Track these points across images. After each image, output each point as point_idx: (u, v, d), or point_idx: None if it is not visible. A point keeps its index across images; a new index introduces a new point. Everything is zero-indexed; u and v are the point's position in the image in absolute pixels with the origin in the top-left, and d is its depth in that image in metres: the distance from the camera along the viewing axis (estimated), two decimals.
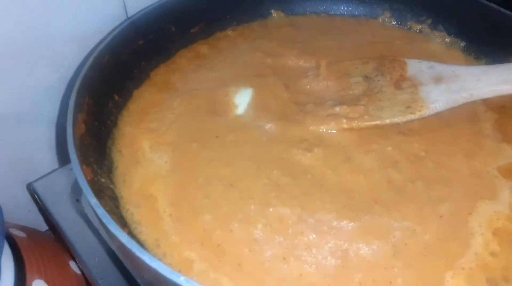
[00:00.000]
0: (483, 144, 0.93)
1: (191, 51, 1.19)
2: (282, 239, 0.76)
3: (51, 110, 1.16)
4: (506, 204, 0.82)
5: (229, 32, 1.26)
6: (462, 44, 1.20)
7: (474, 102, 0.98)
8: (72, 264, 1.14)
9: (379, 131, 0.94)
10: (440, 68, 1.02)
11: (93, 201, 0.68)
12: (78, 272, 1.13)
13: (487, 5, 1.14)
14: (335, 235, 0.77)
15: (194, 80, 1.09)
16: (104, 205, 0.73)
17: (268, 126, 0.95)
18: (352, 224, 0.78)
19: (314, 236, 0.77)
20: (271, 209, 0.80)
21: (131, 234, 0.76)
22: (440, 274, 0.73)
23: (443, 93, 0.97)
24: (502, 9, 1.12)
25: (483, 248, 0.76)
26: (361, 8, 1.33)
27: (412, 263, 0.74)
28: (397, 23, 1.30)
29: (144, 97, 1.05)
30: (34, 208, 1.28)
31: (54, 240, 1.20)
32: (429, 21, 1.26)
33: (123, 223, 0.78)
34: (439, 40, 1.23)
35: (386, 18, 1.31)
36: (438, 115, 0.96)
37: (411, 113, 0.95)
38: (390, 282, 0.72)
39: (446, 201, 0.82)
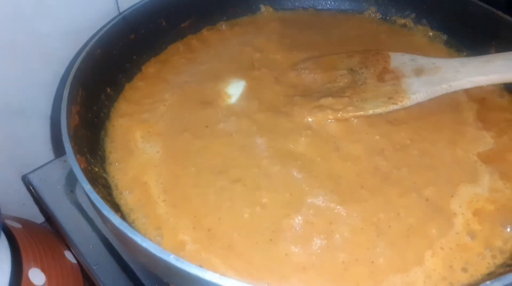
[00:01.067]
0: (464, 132, 0.97)
1: (182, 45, 1.22)
2: (269, 223, 0.80)
3: (45, 103, 1.19)
4: (485, 187, 0.86)
5: (219, 26, 1.30)
6: (445, 37, 1.24)
7: (457, 93, 1.03)
8: (68, 254, 1.17)
9: (367, 121, 0.98)
10: (422, 61, 1.06)
11: (87, 187, 0.71)
12: (74, 261, 1.16)
13: (469, 0, 1.18)
14: (321, 218, 0.81)
15: (185, 73, 1.12)
16: (98, 192, 0.77)
17: (257, 116, 0.99)
18: (338, 207, 0.82)
19: (300, 218, 0.80)
20: (259, 196, 0.84)
21: (124, 219, 0.79)
22: (420, 253, 0.77)
23: (423, 84, 1.01)
24: (483, 4, 1.16)
25: (464, 227, 0.80)
26: (348, 3, 1.37)
27: (395, 244, 0.78)
28: (382, 17, 1.34)
29: (136, 90, 1.08)
30: (29, 202, 1.31)
31: (49, 231, 1.23)
32: (413, 16, 1.30)
33: (116, 209, 0.81)
34: (423, 33, 1.27)
35: (372, 13, 1.35)
36: (424, 105, 1.00)
37: (393, 103, 0.99)
38: (372, 262, 0.75)
39: (430, 186, 0.86)
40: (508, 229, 0.80)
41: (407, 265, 0.75)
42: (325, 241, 0.78)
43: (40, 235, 1.17)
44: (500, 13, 1.11)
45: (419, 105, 1.00)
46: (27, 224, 1.21)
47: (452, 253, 0.77)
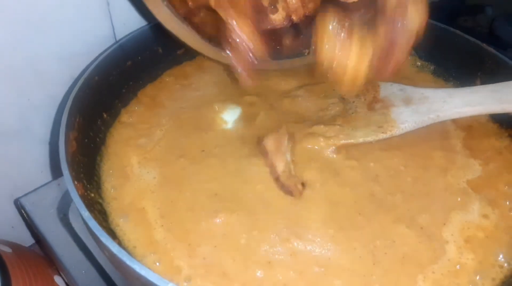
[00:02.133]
0: (454, 160, 1.00)
1: (178, 72, 1.25)
2: (267, 247, 0.81)
3: (40, 126, 1.19)
4: (476, 214, 0.89)
5: None
6: (432, 67, 1.29)
7: (445, 121, 1.06)
8: (57, 279, 1.15)
9: (362, 148, 1.01)
10: (410, 91, 1.09)
11: (85, 214, 0.72)
12: None
13: (455, 32, 1.23)
14: (319, 244, 0.82)
15: (180, 98, 1.15)
16: (94, 219, 0.77)
17: (252, 141, 1.01)
18: (336, 233, 0.84)
19: (298, 243, 0.82)
20: (255, 221, 0.85)
21: (121, 246, 0.79)
22: (413, 281, 0.79)
23: (412, 114, 1.04)
24: (468, 36, 1.21)
25: (455, 254, 0.83)
26: None
27: (390, 271, 0.79)
28: None
29: (131, 115, 1.10)
30: (18, 224, 1.29)
31: (39, 255, 1.21)
32: None
33: (113, 235, 0.81)
34: (411, 63, 1.31)
35: None
36: (415, 132, 1.03)
37: (383, 132, 1.02)
38: None
39: (423, 213, 0.88)
40: (501, 257, 0.82)
41: None
42: (323, 268, 0.79)
43: (30, 260, 1.15)
44: (484, 45, 1.16)
45: (410, 132, 1.03)
46: (17, 248, 1.20)
47: (443, 278, 0.79)
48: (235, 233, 0.83)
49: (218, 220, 0.85)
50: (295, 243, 0.82)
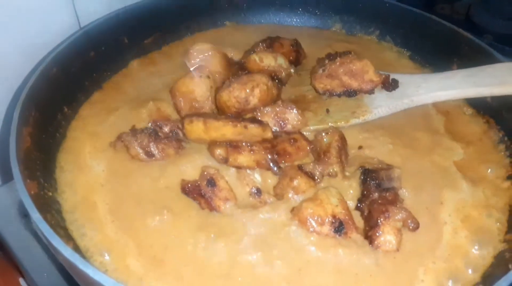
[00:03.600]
0: (439, 141, 1.00)
1: (144, 60, 1.20)
2: (222, 244, 0.77)
3: None
4: (468, 193, 0.89)
5: (184, 40, 1.28)
6: (408, 53, 1.26)
7: (427, 106, 1.05)
8: (23, 282, 1.10)
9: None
10: None
11: (36, 216, 0.67)
12: None
13: (431, 18, 1.20)
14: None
15: (144, 85, 1.10)
16: (50, 220, 0.73)
17: None
18: None
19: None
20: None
21: (77, 249, 0.75)
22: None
23: (385, 99, 1.02)
24: (444, 22, 1.18)
25: (452, 236, 0.82)
26: (313, 20, 1.37)
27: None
28: (347, 34, 1.34)
29: (94, 106, 1.04)
30: None
31: (2, 257, 1.16)
32: (377, 32, 1.31)
33: (69, 237, 0.76)
34: (390, 50, 1.28)
35: (337, 30, 1.35)
36: (398, 116, 1.02)
37: (355, 117, 1.00)
38: None
39: (422, 191, 0.88)
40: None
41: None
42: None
43: None
44: (460, 30, 1.14)
45: (395, 116, 1.02)
46: None
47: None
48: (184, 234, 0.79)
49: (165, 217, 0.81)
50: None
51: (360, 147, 0.96)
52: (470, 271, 0.77)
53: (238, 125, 0.85)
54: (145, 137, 0.89)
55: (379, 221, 0.78)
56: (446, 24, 1.18)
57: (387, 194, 0.82)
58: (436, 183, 0.90)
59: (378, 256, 0.77)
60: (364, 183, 0.85)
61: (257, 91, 0.93)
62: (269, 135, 0.87)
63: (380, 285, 0.74)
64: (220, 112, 0.98)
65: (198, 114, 0.92)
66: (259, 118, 0.92)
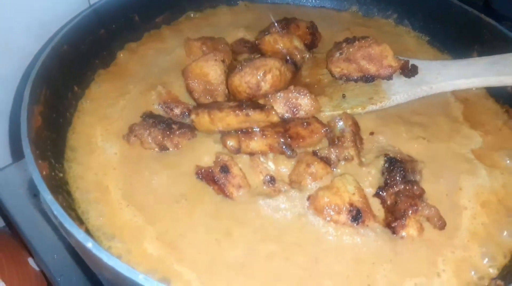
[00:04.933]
0: (459, 129, 0.97)
1: (153, 37, 1.17)
2: (236, 233, 0.76)
3: (4, 99, 1.11)
4: (487, 179, 0.88)
5: (192, 15, 1.26)
6: (426, 39, 1.22)
7: (445, 94, 1.02)
8: (31, 261, 1.11)
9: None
10: None
11: (49, 197, 0.66)
12: (37, 269, 1.10)
13: (452, 2, 1.16)
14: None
15: (152, 63, 1.08)
16: (61, 201, 0.71)
17: None
18: None
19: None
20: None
21: (88, 231, 0.74)
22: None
23: (403, 85, 0.99)
24: (465, 6, 1.14)
25: (471, 222, 0.81)
26: (329, 1, 1.33)
27: None
28: (363, 16, 1.30)
29: (103, 85, 1.02)
30: None
31: (12, 236, 1.15)
32: (394, 16, 1.27)
33: (80, 219, 0.75)
34: (409, 35, 1.25)
35: (354, 12, 1.32)
36: (417, 102, 0.99)
37: (373, 103, 0.97)
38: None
39: (440, 177, 0.87)
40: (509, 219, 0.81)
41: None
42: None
43: (2, 243, 1.10)
44: (483, 16, 1.10)
45: (411, 102, 0.99)
46: None
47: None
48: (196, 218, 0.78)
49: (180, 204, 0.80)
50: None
51: (371, 133, 0.93)
52: (486, 260, 0.76)
53: (240, 113, 0.83)
54: (159, 132, 0.86)
55: (406, 213, 0.77)
56: (467, 8, 1.14)
57: (415, 187, 0.81)
58: (454, 169, 0.89)
59: (396, 245, 0.76)
60: (389, 172, 0.83)
61: (269, 77, 0.91)
62: (274, 118, 0.85)
63: (398, 275, 0.73)
64: (232, 96, 0.95)
65: (204, 106, 0.90)
66: (271, 104, 0.89)
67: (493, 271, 0.75)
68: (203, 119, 0.85)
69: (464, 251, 0.77)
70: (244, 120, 0.84)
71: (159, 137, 0.86)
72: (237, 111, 0.83)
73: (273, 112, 0.85)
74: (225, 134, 0.86)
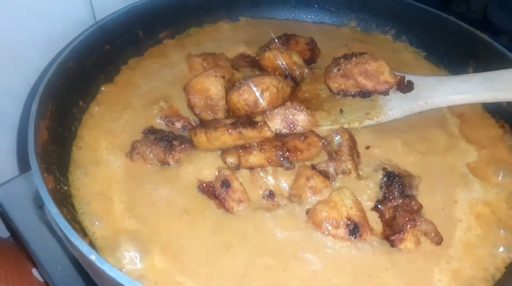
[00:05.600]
0: (455, 144, 1.00)
1: (156, 52, 1.20)
2: (236, 247, 0.78)
3: (13, 113, 1.14)
4: (480, 191, 0.90)
5: (195, 31, 1.29)
6: (424, 54, 1.25)
7: (441, 108, 1.05)
8: (35, 272, 1.12)
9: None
10: None
11: (54, 210, 0.68)
12: (41, 280, 1.11)
13: (448, 19, 1.19)
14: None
15: (155, 77, 1.10)
16: (66, 214, 0.73)
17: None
18: None
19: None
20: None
21: (92, 244, 0.76)
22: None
23: (400, 100, 1.02)
24: (461, 23, 1.17)
25: (465, 233, 0.84)
26: (328, 17, 1.36)
27: None
28: (362, 32, 1.33)
29: (107, 99, 1.05)
30: None
31: (16, 247, 1.17)
32: (393, 32, 1.30)
33: (84, 232, 0.77)
34: (407, 51, 1.27)
35: (353, 27, 1.35)
36: (413, 117, 1.02)
37: (369, 119, 0.99)
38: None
39: (436, 190, 0.90)
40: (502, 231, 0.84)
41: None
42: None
43: (6, 253, 1.12)
44: (478, 32, 1.13)
45: (408, 117, 1.02)
46: None
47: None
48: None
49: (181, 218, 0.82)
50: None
51: (367, 147, 0.95)
52: (481, 272, 0.78)
53: (233, 132, 0.86)
54: (160, 149, 0.89)
55: (404, 227, 0.79)
56: (463, 25, 1.16)
57: (413, 202, 0.84)
58: (449, 183, 0.91)
59: (394, 257, 0.78)
60: (387, 186, 0.86)
61: (266, 95, 0.93)
62: (268, 134, 0.87)
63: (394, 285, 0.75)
64: (231, 112, 0.98)
65: (202, 125, 0.93)
66: (268, 121, 0.92)
67: (488, 284, 0.77)
68: (201, 139, 0.88)
69: (459, 262, 0.79)
70: (239, 137, 0.87)
71: (161, 154, 0.89)
72: (230, 130, 0.86)
73: (266, 128, 0.87)
74: (224, 151, 0.88)
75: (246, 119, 0.91)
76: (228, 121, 0.89)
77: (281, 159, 0.87)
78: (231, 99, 0.94)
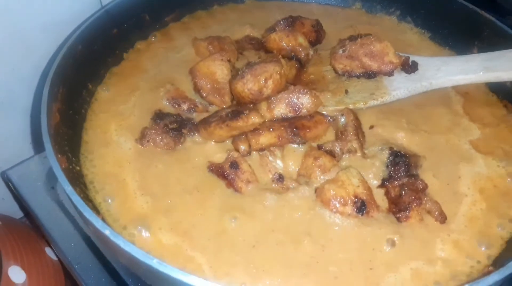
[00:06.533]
0: (459, 122, 1.02)
1: (163, 35, 1.21)
2: (246, 224, 0.81)
3: (25, 97, 1.16)
4: (483, 167, 0.93)
5: (201, 14, 1.29)
6: (428, 35, 1.25)
7: (446, 88, 1.05)
8: (48, 250, 1.16)
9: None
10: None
11: (68, 188, 0.70)
12: (55, 258, 1.15)
13: None
14: None
15: (162, 61, 1.12)
16: (79, 192, 0.76)
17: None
18: None
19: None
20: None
21: (105, 220, 0.78)
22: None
23: (404, 81, 1.03)
24: (466, 2, 1.16)
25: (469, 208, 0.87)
26: None
27: None
28: (367, 13, 1.33)
29: (116, 83, 1.06)
30: (8, 197, 1.28)
31: (30, 227, 1.21)
32: (397, 13, 1.30)
33: (97, 210, 0.80)
34: (413, 31, 1.28)
35: (357, 9, 1.35)
36: (418, 96, 1.03)
37: (374, 99, 1.01)
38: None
39: (440, 167, 0.92)
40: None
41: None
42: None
43: (20, 232, 1.15)
44: (483, 12, 1.13)
45: (412, 97, 1.03)
46: (6, 220, 1.20)
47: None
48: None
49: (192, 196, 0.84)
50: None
51: (371, 127, 0.97)
52: (483, 248, 0.81)
53: (223, 126, 0.89)
54: (170, 139, 0.91)
55: (410, 206, 0.82)
56: (468, 5, 1.16)
57: (419, 181, 0.86)
58: (453, 159, 0.94)
59: (399, 232, 0.80)
60: (393, 165, 0.88)
61: (270, 83, 0.93)
62: (256, 120, 0.89)
63: (400, 260, 0.78)
64: (236, 99, 0.99)
65: (200, 122, 0.95)
66: (273, 106, 0.93)
67: (488, 257, 0.79)
68: (203, 135, 0.92)
69: (460, 235, 0.82)
70: (230, 129, 0.89)
71: (171, 143, 0.91)
72: (220, 124, 0.89)
73: (252, 117, 0.89)
74: (235, 139, 0.91)
75: (232, 111, 0.93)
76: (224, 112, 0.91)
77: (292, 134, 0.89)
78: (235, 88, 0.95)
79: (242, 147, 0.89)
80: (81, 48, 0.98)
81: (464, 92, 1.08)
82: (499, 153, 0.96)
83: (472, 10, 1.14)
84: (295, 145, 0.91)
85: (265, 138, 0.89)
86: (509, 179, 0.91)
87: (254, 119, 0.88)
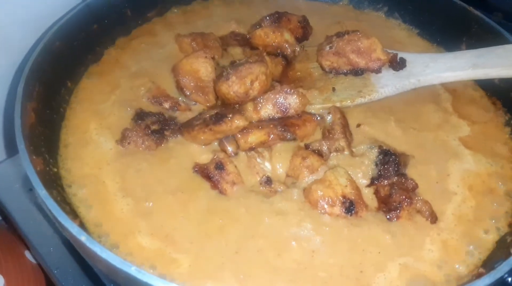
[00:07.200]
0: (448, 119, 1.01)
1: (145, 31, 1.17)
2: (230, 229, 0.78)
3: (1, 97, 1.12)
4: (472, 163, 0.92)
5: (185, 9, 1.26)
6: (416, 31, 1.24)
7: (435, 85, 1.05)
8: (28, 254, 1.12)
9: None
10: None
11: (42, 192, 0.67)
12: (34, 261, 1.11)
13: None
14: None
15: (144, 57, 1.08)
16: (55, 196, 0.73)
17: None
18: None
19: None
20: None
21: (83, 225, 0.75)
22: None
23: (392, 78, 1.01)
24: None
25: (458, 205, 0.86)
26: None
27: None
28: (355, 9, 1.31)
29: (96, 80, 1.03)
30: None
31: (8, 230, 1.17)
32: (385, 9, 1.29)
33: (74, 213, 0.77)
34: (400, 28, 1.26)
35: (345, 4, 1.33)
36: (406, 94, 1.02)
37: (361, 97, 0.99)
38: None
39: (429, 164, 0.91)
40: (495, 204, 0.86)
41: None
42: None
43: None
44: (471, 8, 1.12)
45: (401, 94, 1.02)
46: None
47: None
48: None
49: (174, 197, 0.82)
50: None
51: (358, 125, 0.96)
52: (472, 247, 0.80)
53: (206, 130, 0.86)
54: (152, 141, 0.88)
55: (400, 205, 0.81)
56: (456, 1, 1.15)
57: (409, 181, 0.85)
58: (442, 156, 0.93)
59: (389, 232, 0.79)
60: (383, 163, 0.87)
61: (256, 84, 0.91)
62: (240, 124, 0.86)
63: (389, 259, 0.76)
64: (220, 99, 0.96)
65: (182, 125, 0.92)
66: (259, 107, 0.90)
67: (478, 257, 0.78)
68: (187, 138, 0.90)
69: (449, 234, 0.81)
70: (214, 133, 0.86)
71: (153, 146, 0.88)
72: (203, 129, 0.86)
73: (236, 120, 0.85)
74: (222, 140, 0.88)
75: (220, 111, 0.89)
76: (208, 115, 0.88)
77: (282, 130, 0.87)
78: (220, 89, 0.92)
79: (230, 148, 0.86)
80: (59, 44, 0.95)
81: (453, 90, 1.07)
82: (488, 149, 0.95)
83: (460, 6, 1.13)
84: (283, 146, 0.89)
85: (254, 136, 0.86)
86: (497, 175, 0.90)
87: (238, 122, 0.85)
